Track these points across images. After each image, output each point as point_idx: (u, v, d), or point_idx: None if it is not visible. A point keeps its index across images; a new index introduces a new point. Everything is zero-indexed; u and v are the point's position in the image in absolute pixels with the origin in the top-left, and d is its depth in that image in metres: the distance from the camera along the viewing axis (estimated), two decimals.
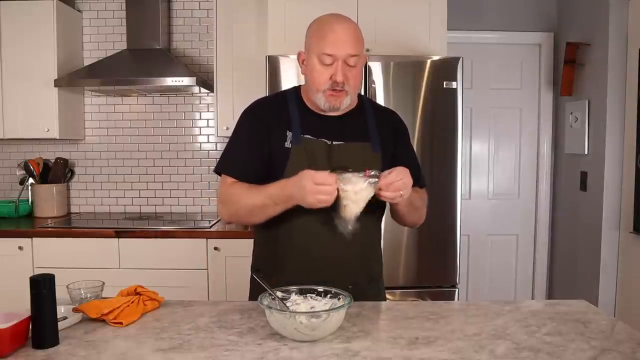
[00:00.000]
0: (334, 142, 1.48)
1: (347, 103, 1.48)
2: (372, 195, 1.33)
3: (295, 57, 1.63)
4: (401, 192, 1.33)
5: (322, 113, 1.52)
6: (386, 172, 1.33)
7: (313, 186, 1.28)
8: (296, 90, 1.58)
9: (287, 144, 1.47)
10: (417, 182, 1.55)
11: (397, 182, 1.32)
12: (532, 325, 1.27)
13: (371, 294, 1.51)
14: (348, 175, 1.31)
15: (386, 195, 1.33)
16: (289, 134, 1.47)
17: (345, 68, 1.43)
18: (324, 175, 1.28)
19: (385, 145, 1.53)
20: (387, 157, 1.52)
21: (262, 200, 1.41)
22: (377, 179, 1.31)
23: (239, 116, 1.58)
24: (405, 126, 1.64)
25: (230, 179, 1.51)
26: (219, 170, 1.55)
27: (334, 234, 1.38)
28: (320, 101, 1.46)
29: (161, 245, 2.78)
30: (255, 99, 1.65)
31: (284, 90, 1.63)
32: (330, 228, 1.39)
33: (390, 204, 1.47)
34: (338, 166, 1.39)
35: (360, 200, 1.32)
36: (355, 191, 1.31)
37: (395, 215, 1.55)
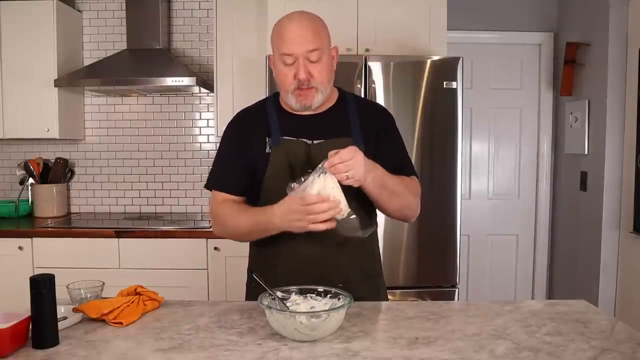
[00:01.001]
0: (315, 141, 1.47)
1: (319, 100, 1.46)
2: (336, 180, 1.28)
3: None
4: (346, 174, 1.27)
5: (301, 113, 1.51)
6: (332, 151, 1.28)
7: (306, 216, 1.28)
8: (276, 94, 1.58)
9: (267, 149, 1.47)
10: (402, 171, 1.53)
11: (340, 164, 1.26)
12: (532, 325, 1.27)
13: (368, 293, 1.49)
14: (300, 182, 1.28)
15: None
16: (268, 140, 1.48)
17: (308, 65, 1.41)
18: (300, 202, 1.27)
19: (369, 138, 1.50)
20: (371, 150, 1.49)
21: (249, 225, 1.43)
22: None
23: None
24: (392, 119, 1.59)
25: (220, 196, 1.52)
26: (208, 187, 1.56)
27: (323, 232, 1.37)
28: (292, 102, 1.46)
29: (161, 245, 2.78)
30: (255, 99, 1.66)
31: (266, 97, 1.64)
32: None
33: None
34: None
35: (334, 192, 1.28)
36: (323, 187, 1.27)
37: (374, 202, 1.49)
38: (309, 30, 1.41)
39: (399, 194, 1.47)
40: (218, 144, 1.62)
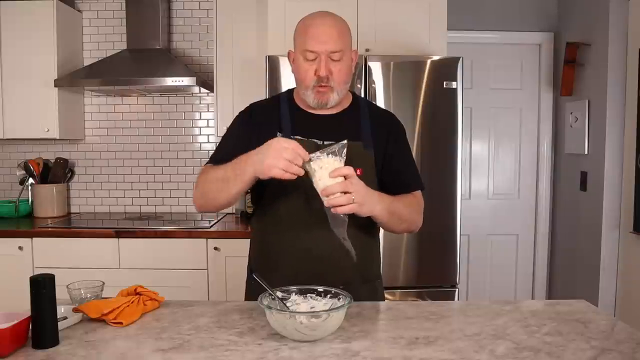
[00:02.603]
0: (325, 142, 1.47)
1: (334, 99, 1.47)
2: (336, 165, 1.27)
3: None
4: (352, 196, 1.27)
5: (314, 112, 1.51)
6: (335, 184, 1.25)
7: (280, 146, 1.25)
8: (290, 92, 1.59)
9: None
10: (407, 183, 1.55)
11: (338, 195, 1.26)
12: (532, 325, 1.27)
13: (366, 295, 1.50)
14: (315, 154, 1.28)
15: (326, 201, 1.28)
16: (279, 135, 1.48)
17: (330, 63, 1.43)
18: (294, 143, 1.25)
19: (378, 144, 1.52)
20: (380, 156, 1.52)
21: (224, 173, 1.37)
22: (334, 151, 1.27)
23: None
24: (402, 128, 1.61)
25: (208, 166, 1.50)
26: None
27: (326, 233, 1.38)
28: (309, 98, 1.47)
29: (161, 245, 2.78)
30: (255, 99, 1.66)
31: (279, 94, 1.64)
32: (322, 227, 1.40)
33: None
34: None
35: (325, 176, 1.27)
36: (320, 166, 1.27)
37: (381, 225, 1.51)
38: (335, 30, 1.43)
39: (406, 218, 1.51)
40: (219, 143, 1.61)
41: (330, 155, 1.27)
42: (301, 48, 1.44)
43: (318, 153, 1.28)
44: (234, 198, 1.40)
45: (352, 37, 1.52)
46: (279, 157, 1.24)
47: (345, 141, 1.30)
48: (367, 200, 1.32)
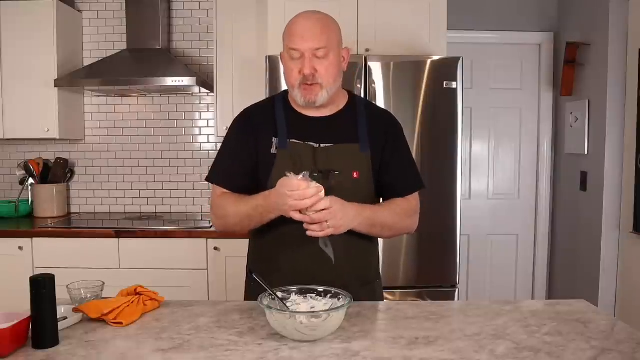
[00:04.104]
0: (322, 145, 1.46)
1: (323, 97, 1.45)
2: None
3: None
4: (327, 223, 1.31)
5: (309, 115, 1.51)
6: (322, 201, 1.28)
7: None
8: (285, 92, 1.57)
9: (273, 150, 1.47)
10: (407, 187, 1.55)
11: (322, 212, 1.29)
12: (532, 325, 1.27)
13: (364, 298, 1.49)
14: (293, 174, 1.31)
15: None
16: (275, 140, 1.47)
17: (315, 61, 1.42)
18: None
19: (376, 145, 1.50)
20: (377, 158, 1.50)
21: (247, 211, 1.43)
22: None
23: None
24: (400, 127, 1.59)
25: (219, 189, 1.52)
26: (209, 179, 1.56)
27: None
28: (297, 97, 1.46)
29: (161, 245, 2.78)
30: (255, 98, 1.65)
31: (274, 95, 1.63)
32: None
33: None
34: (323, 169, 1.42)
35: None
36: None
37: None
38: (318, 27, 1.42)
39: (391, 226, 1.51)
40: (218, 144, 1.62)
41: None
42: (287, 47, 1.44)
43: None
44: (257, 228, 1.49)
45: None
46: (286, 206, 1.29)
47: (308, 172, 1.31)
48: (344, 223, 1.34)
